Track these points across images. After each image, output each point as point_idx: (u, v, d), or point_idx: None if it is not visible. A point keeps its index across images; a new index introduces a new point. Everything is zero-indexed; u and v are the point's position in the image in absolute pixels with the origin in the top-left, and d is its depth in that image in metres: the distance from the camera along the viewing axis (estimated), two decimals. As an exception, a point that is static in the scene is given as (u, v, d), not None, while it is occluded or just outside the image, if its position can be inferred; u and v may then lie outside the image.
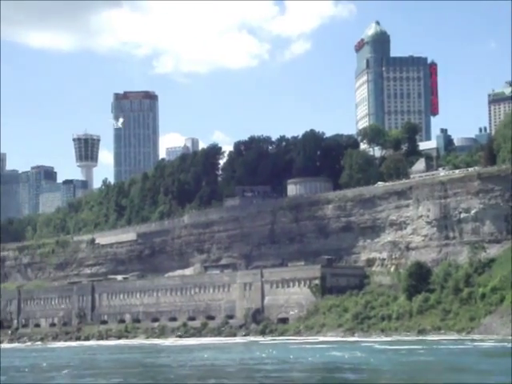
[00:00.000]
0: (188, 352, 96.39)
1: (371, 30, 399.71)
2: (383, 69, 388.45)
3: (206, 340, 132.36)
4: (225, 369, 65.59)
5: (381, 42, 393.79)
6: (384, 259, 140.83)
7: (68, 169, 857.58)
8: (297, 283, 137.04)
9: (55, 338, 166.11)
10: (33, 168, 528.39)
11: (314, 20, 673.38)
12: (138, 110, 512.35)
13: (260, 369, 63.43)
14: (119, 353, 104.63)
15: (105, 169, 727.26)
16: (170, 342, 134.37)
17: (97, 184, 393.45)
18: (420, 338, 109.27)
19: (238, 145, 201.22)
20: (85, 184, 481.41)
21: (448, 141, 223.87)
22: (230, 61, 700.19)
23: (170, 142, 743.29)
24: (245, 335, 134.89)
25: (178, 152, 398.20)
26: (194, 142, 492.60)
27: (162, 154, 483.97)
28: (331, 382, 52.51)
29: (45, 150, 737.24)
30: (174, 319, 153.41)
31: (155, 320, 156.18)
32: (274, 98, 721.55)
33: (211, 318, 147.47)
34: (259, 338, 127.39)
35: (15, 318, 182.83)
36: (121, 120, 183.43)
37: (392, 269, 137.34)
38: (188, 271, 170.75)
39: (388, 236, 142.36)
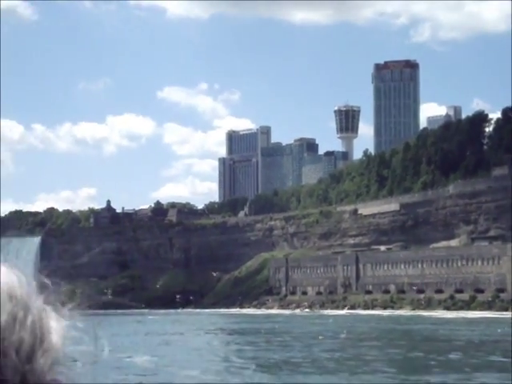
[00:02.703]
0: (477, 325, 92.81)
1: None
2: None
3: (477, 314, 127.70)
4: None
5: None
6: None
7: (328, 140, 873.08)
8: None
9: (322, 305, 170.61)
10: (296, 140, 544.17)
11: None
12: (398, 80, 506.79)
13: None
14: (416, 323, 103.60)
15: (364, 140, 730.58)
16: (451, 315, 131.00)
17: (357, 155, 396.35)
18: None
19: (505, 111, 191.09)
20: (345, 155, 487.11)
21: None
22: (490, 26, 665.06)
23: (428, 111, 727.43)
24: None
25: (438, 121, 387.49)
26: (457, 110, 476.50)
27: (423, 123, 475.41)
28: None
29: (307, 122, 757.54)
30: (440, 291, 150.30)
31: (420, 291, 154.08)
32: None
33: (480, 291, 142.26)
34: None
35: (283, 285, 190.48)
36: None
37: None
38: (453, 242, 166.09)
39: None
